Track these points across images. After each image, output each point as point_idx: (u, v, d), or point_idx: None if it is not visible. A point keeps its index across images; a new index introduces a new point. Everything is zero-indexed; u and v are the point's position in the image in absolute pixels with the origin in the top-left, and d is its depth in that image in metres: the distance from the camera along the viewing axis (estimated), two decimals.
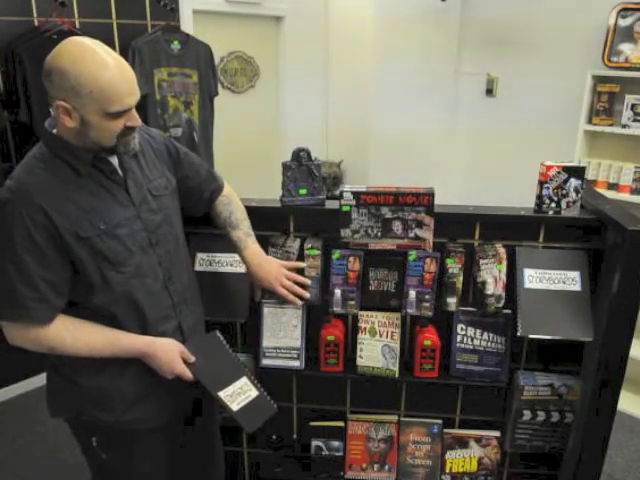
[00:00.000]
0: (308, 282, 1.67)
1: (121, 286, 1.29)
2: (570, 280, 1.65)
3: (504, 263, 1.65)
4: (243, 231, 1.59)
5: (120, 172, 1.31)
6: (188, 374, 1.35)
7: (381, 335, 1.76)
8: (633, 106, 2.81)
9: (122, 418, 1.36)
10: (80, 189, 1.24)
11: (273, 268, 1.60)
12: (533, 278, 1.66)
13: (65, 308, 1.27)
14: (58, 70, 1.14)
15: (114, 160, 1.30)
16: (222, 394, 1.39)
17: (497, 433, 1.88)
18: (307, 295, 1.66)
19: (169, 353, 1.34)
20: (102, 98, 1.15)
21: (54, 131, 1.25)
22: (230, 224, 1.59)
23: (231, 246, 1.60)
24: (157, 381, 1.38)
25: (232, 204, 1.62)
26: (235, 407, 1.39)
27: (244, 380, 1.47)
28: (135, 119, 1.23)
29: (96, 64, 1.14)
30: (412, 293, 1.69)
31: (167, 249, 1.39)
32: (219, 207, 1.60)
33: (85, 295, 1.27)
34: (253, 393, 1.46)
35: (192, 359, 1.38)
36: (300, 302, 1.65)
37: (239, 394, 1.43)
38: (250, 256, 1.58)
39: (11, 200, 1.17)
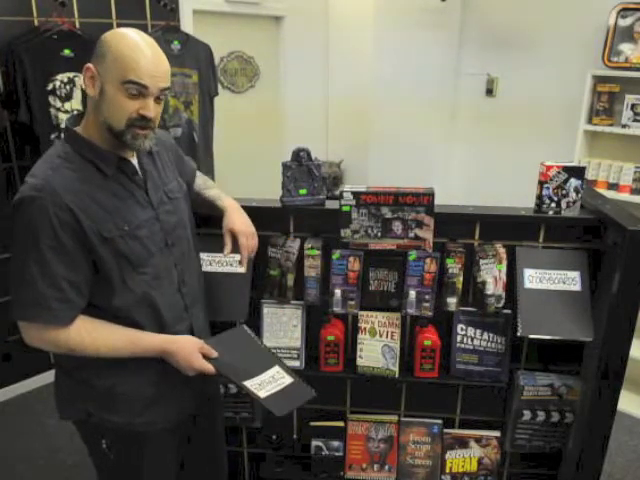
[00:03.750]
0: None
1: (140, 288, 1.29)
2: (570, 280, 1.65)
3: (504, 263, 1.65)
4: (217, 190, 1.63)
5: (140, 174, 1.32)
6: (209, 368, 1.32)
7: (381, 335, 1.76)
8: (633, 106, 2.81)
9: (134, 420, 1.36)
10: (103, 190, 1.24)
11: (247, 221, 1.57)
12: (533, 278, 1.66)
13: (84, 310, 1.26)
14: (102, 41, 1.21)
15: (134, 161, 1.32)
16: (248, 383, 1.37)
17: (497, 433, 1.88)
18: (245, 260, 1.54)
19: (186, 350, 1.32)
20: (122, 66, 1.17)
21: (76, 129, 1.26)
22: (206, 187, 1.62)
23: (206, 206, 1.60)
24: (169, 384, 1.38)
25: (203, 176, 1.67)
26: (263, 394, 1.36)
27: (276, 369, 1.44)
28: (149, 108, 1.22)
29: (134, 42, 1.20)
30: (412, 293, 1.69)
31: (182, 251, 1.41)
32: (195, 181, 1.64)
33: (105, 297, 1.27)
34: (287, 380, 1.43)
35: (214, 354, 1.35)
36: (244, 264, 1.54)
37: (269, 382, 1.40)
38: (228, 201, 1.59)
39: (39, 198, 1.17)
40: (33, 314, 1.21)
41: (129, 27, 1.26)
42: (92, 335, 1.26)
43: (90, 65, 1.21)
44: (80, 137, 1.25)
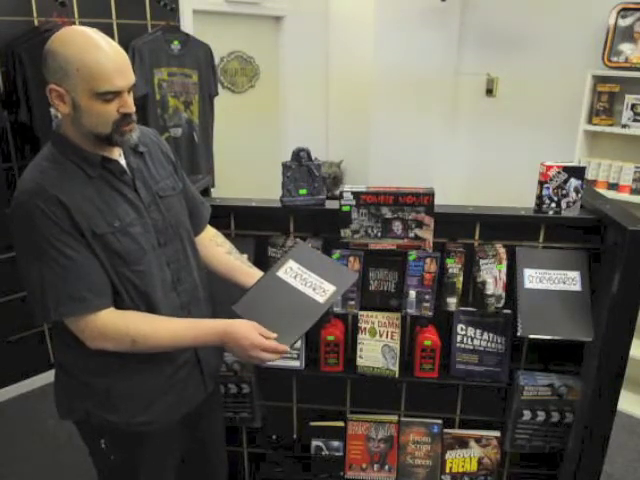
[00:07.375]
0: None
1: (135, 286, 1.28)
2: (570, 280, 1.65)
3: (504, 263, 1.65)
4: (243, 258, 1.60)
5: (129, 172, 1.31)
6: (269, 357, 1.28)
7: (381, 335, 1.76)
8: (633, 106, 2.80)
9: (133, 420, 1.36)
10: (92, 188, 1.24)
11: None
12: (533, 278, 1.66)
13: None
14: (50, 53, 1.16)
15: (122, 160, 1.31)
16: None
17: (497, 433, 1.88)
18: None
19: (241, 343, 1.27)
20: (89, 76, 1.14)
21: (62, 132, 1.26)
22: (231, 252, 1.58)
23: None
24: (168, 383, 1.37)
25: (221, 236, 1.62)
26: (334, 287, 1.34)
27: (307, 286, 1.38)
28: (128, 105, 1.21)
29: (84, 44, 1.15)
30: (412, 293, 1.69)
31: (176, 249, 1.39)
32: (218, 245, 1.59)
33: None
34: (327, 287, 1.36)
35: (274, 335, 1.28)
36: None
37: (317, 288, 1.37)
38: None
39: (29, 201, 1.16)
40: (72, 309, 1.20)
41: (73, 26, 1.21)
42: (151, 325, 1.26)
43: (53, 86, 1.16)
44: (65, 140, 1.24)
